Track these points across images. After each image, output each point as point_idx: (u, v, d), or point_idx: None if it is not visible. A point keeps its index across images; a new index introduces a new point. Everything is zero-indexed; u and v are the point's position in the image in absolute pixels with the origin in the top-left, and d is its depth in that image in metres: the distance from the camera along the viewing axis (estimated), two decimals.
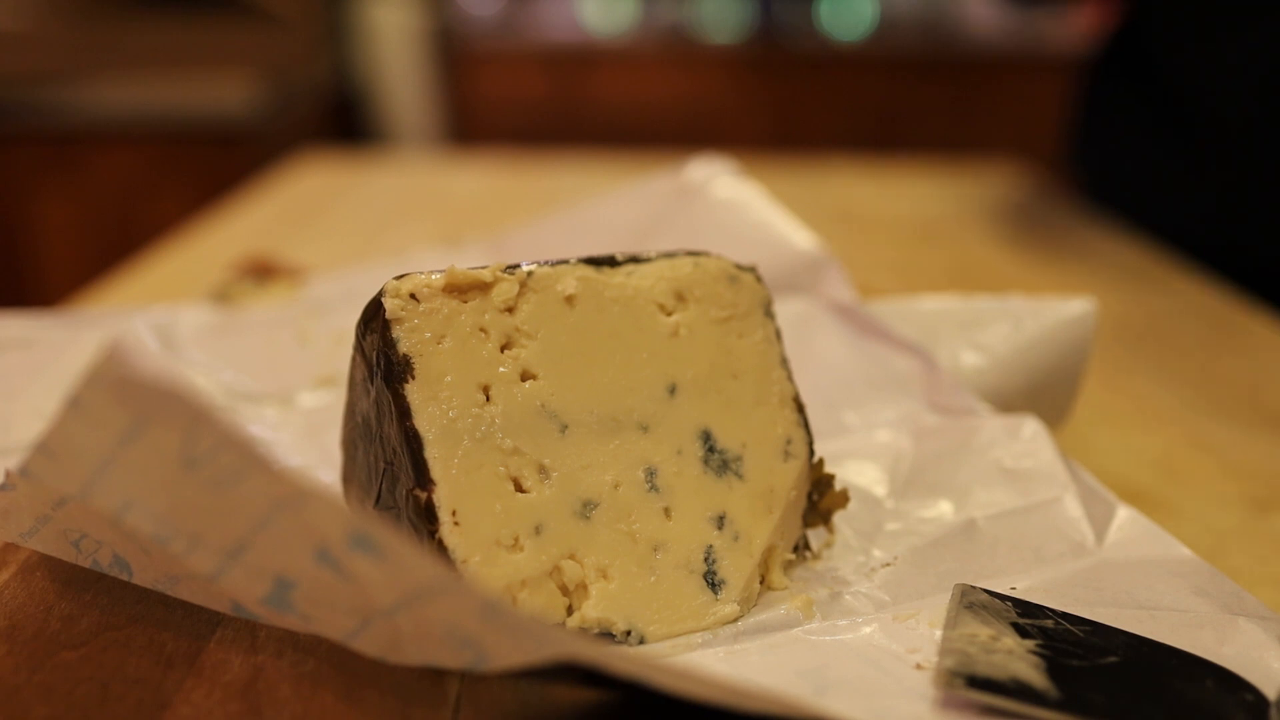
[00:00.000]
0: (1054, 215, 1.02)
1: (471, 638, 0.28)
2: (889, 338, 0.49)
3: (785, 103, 2.13)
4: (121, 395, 0.26)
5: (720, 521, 0.36)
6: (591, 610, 0.34)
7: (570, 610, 0.34)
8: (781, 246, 0.52)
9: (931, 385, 0.46)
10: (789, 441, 0.38)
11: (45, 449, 0.28)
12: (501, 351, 0.36)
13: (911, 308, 0.50)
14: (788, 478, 0.38)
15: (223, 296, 0.62)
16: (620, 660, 0.27)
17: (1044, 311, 0.48)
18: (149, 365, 0.26)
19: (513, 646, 0.27)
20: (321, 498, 0.27)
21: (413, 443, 0.34)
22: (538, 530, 0.34)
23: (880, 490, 0.43)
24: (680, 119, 2.24)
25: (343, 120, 2.24)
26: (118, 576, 0.34)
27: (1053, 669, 0.30)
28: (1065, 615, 0.33)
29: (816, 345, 0.49)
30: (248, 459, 0.26)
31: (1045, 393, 0.45)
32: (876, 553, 0.39)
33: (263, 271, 0.67)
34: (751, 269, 0.40)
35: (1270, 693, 0.30)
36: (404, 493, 0.34)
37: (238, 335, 0.56)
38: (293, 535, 0.28)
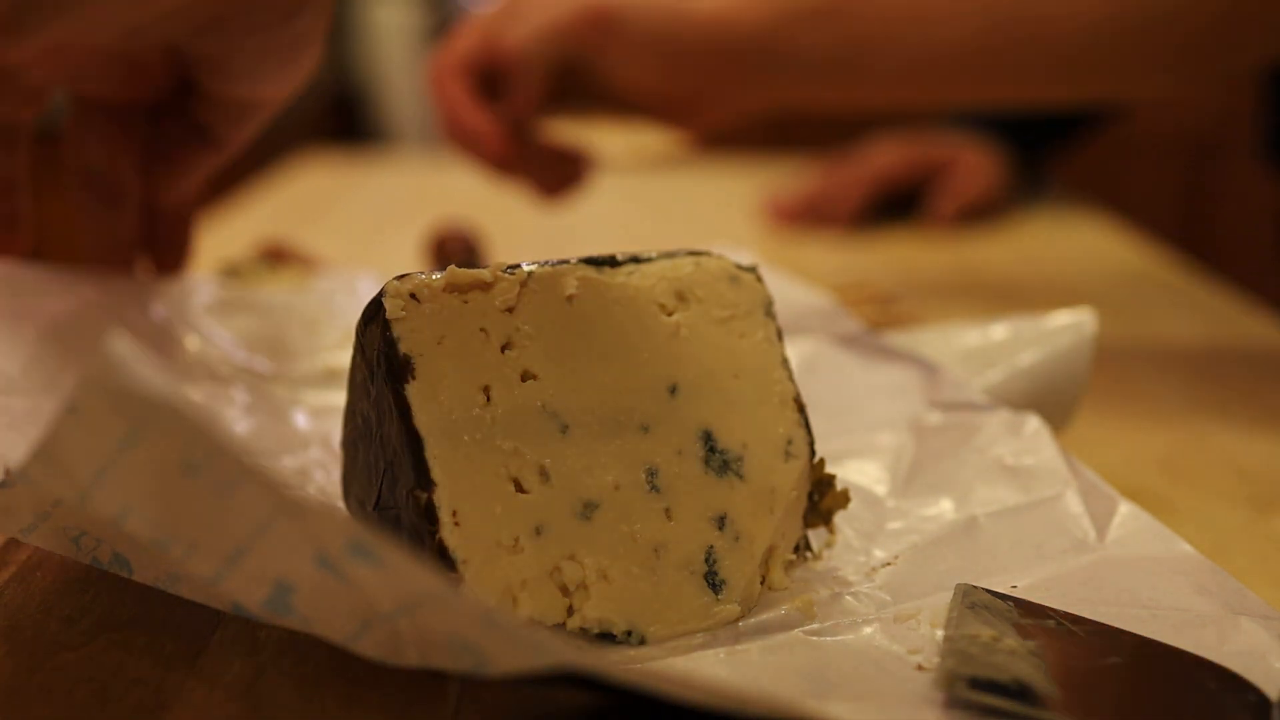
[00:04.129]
0: (1054, 214, 1.02)
1: (472, 644, 0.28)
2: (893, 353, 0.49)
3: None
4: (118, 404, 0.26)
5: (721, 522, 0.36)
6: (592, 611, 0.34)
7: (571, 611, 0.34)
8: (791, 296, 0.52)
9: (933, 386, 0.46)
10: (790, 442, 0.38)
11: (43, 454, 0.28)
12: (502, 352, 0.36)
13: (914, 336, 0.50)
14: (789, 478, 0.38)
15: (234, 273, 0.61)
16: (620, 669, 0.27)
17: (1044, 329, 0.48)
18: (145, 375, 0.25)
19: (513, 654, 0.27)
20: (319, 508, 0.27)
21: (413, 443, 0.34)
22: (538, 531, 0.34)
23: (881, 489, 0.42)
24: None
25: (343, 119, 2.24)
26: (118, 573, 0.34)
27: (1055, 670, 0.30)
28: (1067, 616, 0.33)
29: (823, 370, 0.49)
30: (244, 469, 0.26)
31: (1047, 405, 0.45)
32: (877, 552, 0.39)
33: (276, 255, 0.66)
34: (753, 269, 0.40)
35: (1272, 693, 0.30)
36: (404, 493, 0.34)
37: (249, 314, 0.57)
38: (292, 540, 0.27)
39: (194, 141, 0.48)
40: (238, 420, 0.49)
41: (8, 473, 0.33)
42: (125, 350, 0.25)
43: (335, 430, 0.43)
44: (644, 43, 0.65)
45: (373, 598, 0.28)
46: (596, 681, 0.28)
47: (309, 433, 0.48)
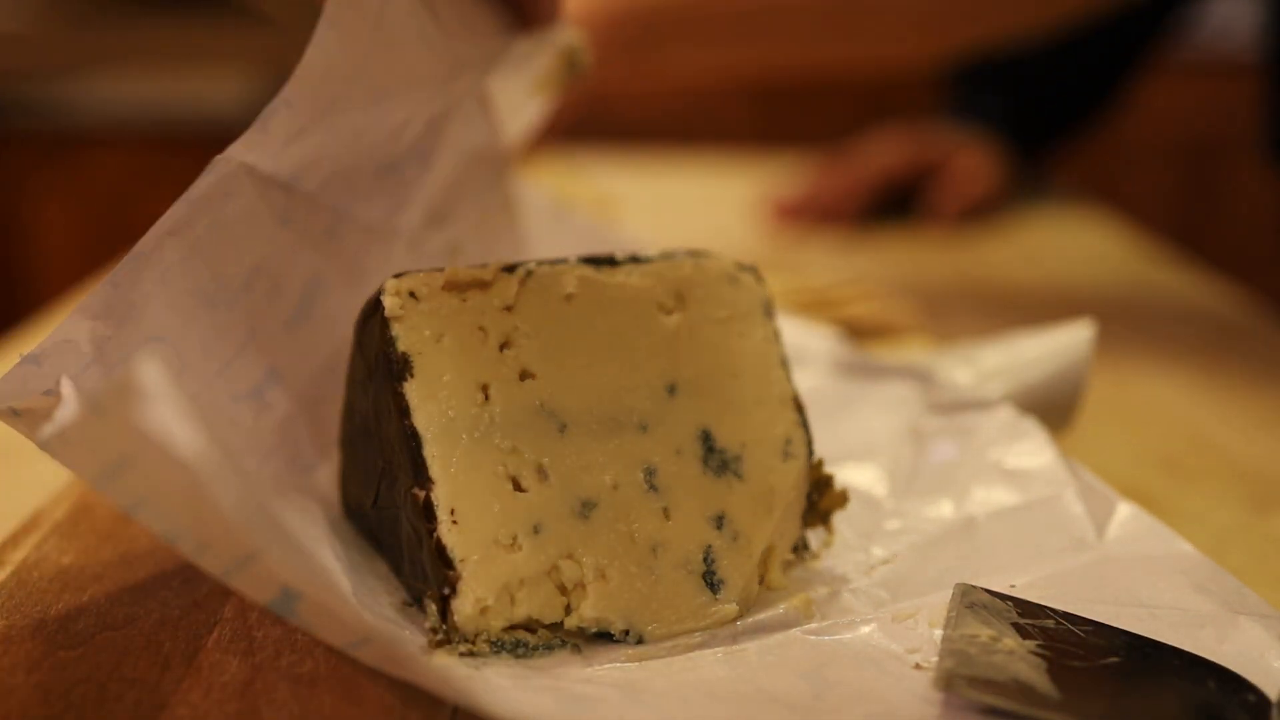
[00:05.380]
0: (1054, 214, 1.02)
1: (462, 690, 0.28)
2: (889, 370, 0.49)
3: (783, 101, 2.12)
4: (128, 432, 0.26)
5: (719, 521, 0.36)
6: (590, 610, 0.33)
7: (569, 609, 0.34)
8: (790, 335, 0.51)
9: (929, 391, 0.46)
10: (788, 441, 0.38)
11: (63, 437, 0.28)
12: (500, 350, 0.35)
13: (913, 357, 0.50)
14: (787, 478, 0.37)
15: (570, 65, 0.54)
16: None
17: (1043, 350, 0.48)
18: (164, 417, 0.25)
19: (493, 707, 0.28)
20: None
21: (411, 441, 0.33)
22: (536, 530, 0.34)
23: (879, 490, 0.42)
24: (680, 118, 2.24)
25: None
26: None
27: (1054, 670, 0.30)
28: (1066, 615, 0.33)
29: (824, 396, 0.49)
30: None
31: (1045, 417, 0.45)
32: (876, 551, 0.39)
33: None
34: (752, 269, 0.40)
35: (1272, 692, 0.30)
36: (402, 492, 0.34)
37: None
38: (302, 554, 0.28)
39: None
40: None
41: (57, 384, 0.33)
42: (155, 381, 0.25)
43: None
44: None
45: (373, 618, 0.28)
46: None
47: None
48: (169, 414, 0.25)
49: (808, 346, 0.51)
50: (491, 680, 0.31)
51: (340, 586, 0.28)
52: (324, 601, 0.29)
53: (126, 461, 0.27)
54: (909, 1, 0.79)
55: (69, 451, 0.30)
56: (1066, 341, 0.48)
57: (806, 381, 0.49)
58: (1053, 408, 0.47)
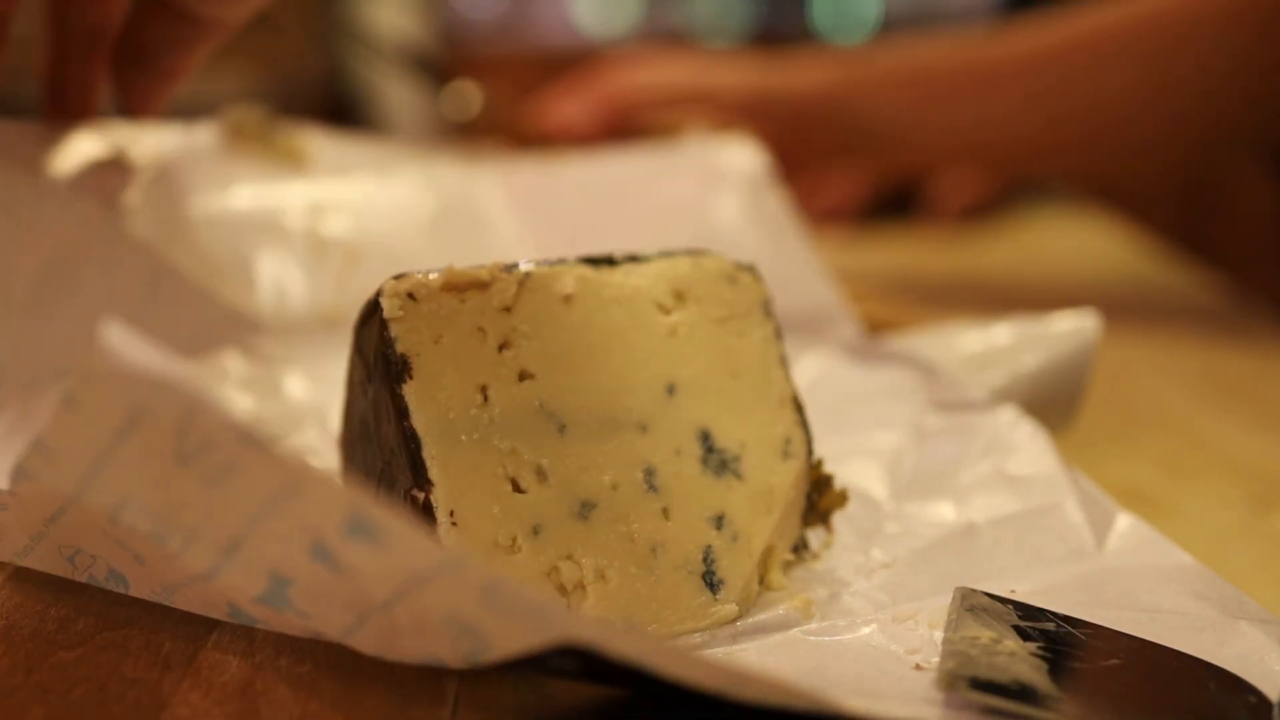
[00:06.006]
0: (1054, 214, 1.02)
1: (471, 624, 0.28)
2: (892, 356, 0.49)
3: None
4: (114, 390, 0.26)
5: (719, 521, 0.36)
6: (589, 611, 0.33)
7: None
8: (798, 286, 0.51)
9: (932, 386, 0.46)
10: (788, 441, 0.38)
11: (41, 448, 0.28)
12: (499, 351, 0.35)
13: (915, 340, 0.50)
14: (787, 477, 0.37)
15: (237, 131, 0.57)
16: (623, 641, 0.27)
17: (1047, 332, 0.48)
18: (141, 358, 0.25)
19: (513, 629, 0.27)
20: (318, 481, 0.27)
21: (410, 443, 0.33)
22: (535, 531, 0.34)
23: (880, 492, 0.42)
24: None
25: (339, 121, 2.23)
26: (114, 590, 0.34)
27: (1055, 672, 0.30)
28: (1067, 618, 0.33)
29: (826, 379, 0.49)
30: (243, 446, 0.26)
31: (1048, 408, 0.45)
32: (876, 553, 0.39)
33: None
34: (751, 268, 0.40)
35: (1272, 695, 0.30)
36: (402, 493, 0.34)
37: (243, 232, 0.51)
38: (288, 529, 0.27)
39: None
40: (234, 399, 0.47)
41: (0, 494, 0.33)
42: (121, 338, 0.25)
43: (333, 406, 0.42)
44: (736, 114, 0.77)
45: (369, 587, 0.28)
46: (596, 670, 0.28)
47: (304, 409, 0.47)
48: (151, 356, 0.25)
49: (811, 313, 0.51)
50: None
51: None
52: (318, 577, 0.28)
53: (109, 448, 0.27)
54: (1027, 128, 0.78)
55: (50, 467, 0.29)
56: (1069, 329, 0.47)
57: (811, 368, 0.49)
58: (1055, 401, 0.47)
